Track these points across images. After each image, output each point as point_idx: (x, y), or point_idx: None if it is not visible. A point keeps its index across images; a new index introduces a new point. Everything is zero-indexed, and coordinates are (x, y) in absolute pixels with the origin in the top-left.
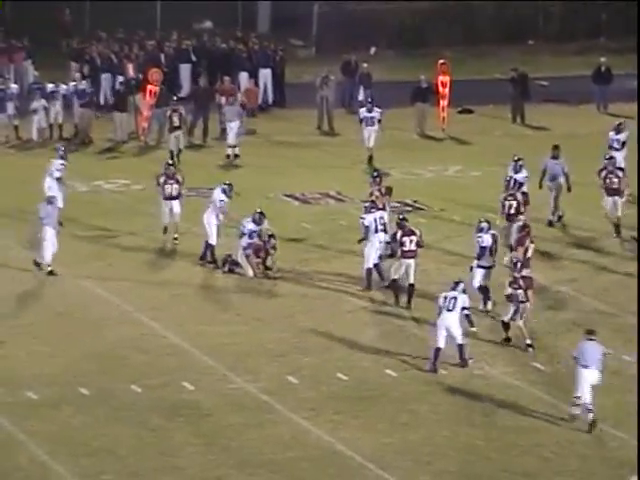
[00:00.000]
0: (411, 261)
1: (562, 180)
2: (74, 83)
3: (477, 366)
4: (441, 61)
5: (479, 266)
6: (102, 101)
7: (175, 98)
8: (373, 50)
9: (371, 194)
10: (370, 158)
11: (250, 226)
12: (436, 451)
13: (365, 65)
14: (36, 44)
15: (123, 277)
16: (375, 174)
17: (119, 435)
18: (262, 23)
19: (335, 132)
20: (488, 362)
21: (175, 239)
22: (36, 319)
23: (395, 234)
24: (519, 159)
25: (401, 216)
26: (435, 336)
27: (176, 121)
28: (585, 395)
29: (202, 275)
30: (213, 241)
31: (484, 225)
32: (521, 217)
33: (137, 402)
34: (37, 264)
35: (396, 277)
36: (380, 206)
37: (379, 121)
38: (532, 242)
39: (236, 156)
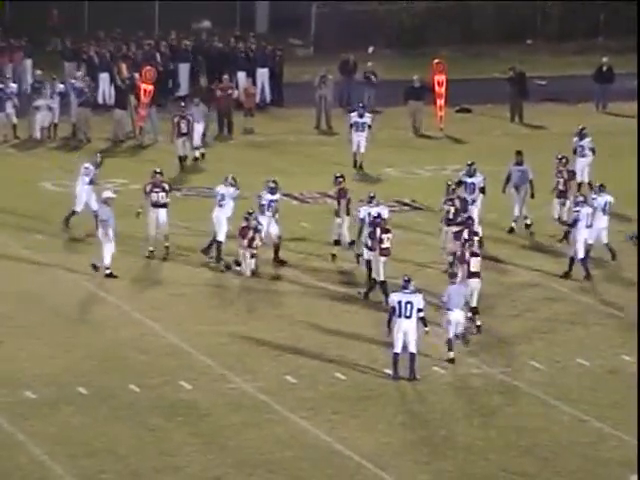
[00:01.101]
0: (385, 258)
1: (527, 186)
2: (74, 81)
3: (475, 365)
4: (436, 60)
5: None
6: (100, 100)
7: (183, 104)
8: (371, 49)
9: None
10: (356, 164)
11: (268, 197)
12: (435, 451)
13: (370, 64)
14: (34, 44)
15: (122, 277)
16: (338, 174)
17: (118, 435)
18: (260, 23)
19: (333, 131)
20: (486, 361)
21: (167, 247)
22: (35, 319)
23: (374, 231)
24: (472, 163)
25: (376, 213)
26: (394, 340)
27: (184, 127)
28: (450, 334)
29: (201, 275)
30: (221, 238)
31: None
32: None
33: (136, 402)
34: (95, 267)
35: (383, 279)
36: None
37: (369, 127)
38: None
39: (196, 159)
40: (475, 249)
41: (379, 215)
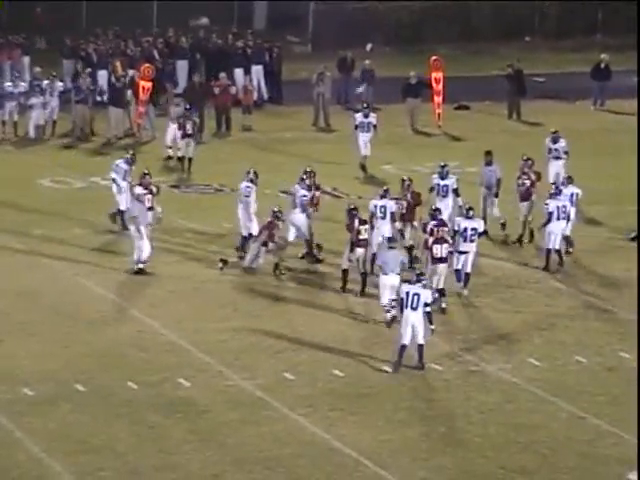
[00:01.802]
0: (363, 250)
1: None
2: (86, 79)
3: (473, 362)
4: (434, 57)
5: (457, 251)
6: (98, 98)
7: (188, 107)
8: (369, 47)
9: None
10: (363, 166)
11: (303, 192)
12: (433, 448)
13: (368, 62)
14: (32, 42)
15: (120, 274)
16: (308, 169)
17: (117, 432)
18: (258, 20)
19: (331, 128)
20: (484, 359)
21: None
22: (34, 316)
23: (352, 223)
24: (445, 165)
25: (352, 206)
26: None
27: (189, 129)
28: (385, 298)
29: (199, 272)
30: (244, 232)
31: (464, 211)
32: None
33: (135, 399)
34: (140, 271)
35: (345, 267)
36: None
37: (374, 127)
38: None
39: (185, 158)
40: (443, 235)
41: (355, 207)
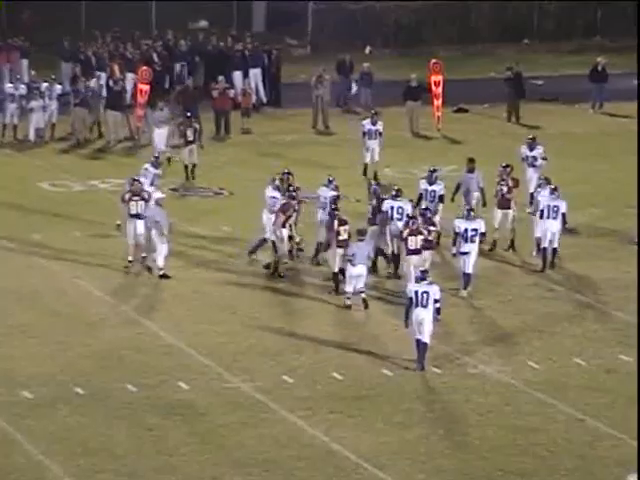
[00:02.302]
0: (342, 250)
1: (477, 195)
2: (93, 81)
3: (472, 365)
4: (433, 60)
5: (459, 252)
6: None
7: (188, 114)
8: (368, 49)
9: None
10: (366, 172)
11: (331, 194)
12: (432, 450)
13: (367, 65)
14: (31, 44)
15: (119, 277)
16: (287, 171)
17: (116, 434)
18: (257, 22)
19: (330, 131)
20: (483, 361)
21: (144, 257)
22: (32, 319)
23: (332, 224)
24: (434, 170)
25: (332, 206)
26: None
27: (190, 135)
28: (357, 285)
29: (198, 275)
30: (267, 236)
31: (465, 213)
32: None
33: (133, 401)
34: (149, 269)
35: (336, 270)
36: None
37: (380, 134)
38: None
39: (169, 160)
40: (418, 228)
41: (336, 207)
